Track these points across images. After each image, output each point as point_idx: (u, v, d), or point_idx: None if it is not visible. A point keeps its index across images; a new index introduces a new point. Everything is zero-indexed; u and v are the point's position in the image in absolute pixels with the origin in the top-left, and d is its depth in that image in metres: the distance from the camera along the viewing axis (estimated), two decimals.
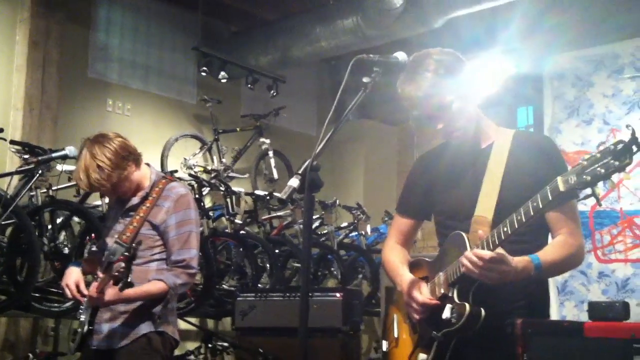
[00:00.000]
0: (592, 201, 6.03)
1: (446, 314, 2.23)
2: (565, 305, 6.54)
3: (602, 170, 1.81)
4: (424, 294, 2.37)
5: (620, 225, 6.58)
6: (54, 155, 4.98)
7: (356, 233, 7.91)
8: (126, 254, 2.88)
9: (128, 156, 3.14)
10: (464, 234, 2.29)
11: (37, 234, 4.87)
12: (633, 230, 6.52)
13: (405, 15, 6.63)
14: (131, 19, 7.47)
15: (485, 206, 2.30)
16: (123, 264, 2.84)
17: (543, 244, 2.33)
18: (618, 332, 1.90)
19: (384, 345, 2.63)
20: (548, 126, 7.26)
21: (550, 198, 1.97)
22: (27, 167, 4.94)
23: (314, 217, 7.37)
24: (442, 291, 2.32)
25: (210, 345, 5.62)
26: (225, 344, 5.84)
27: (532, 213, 2.04)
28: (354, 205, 8.00)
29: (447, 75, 2.33)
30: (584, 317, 6.00)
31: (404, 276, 2.49)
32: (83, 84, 6.95)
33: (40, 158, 4.91)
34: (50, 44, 6.42)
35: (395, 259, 2.60)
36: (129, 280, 2.84)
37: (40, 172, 4.89)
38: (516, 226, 2.08)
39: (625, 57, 6.85)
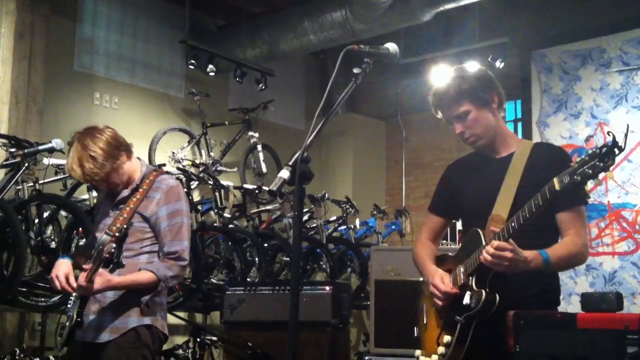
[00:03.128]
0: None
1: (466, 300, 2.53)
2: None
3: (590, 171, 2.13)
4: (446, 283, 2.68)
5: (608, 219, 6.63)
6: (40, 148, 4.94)
7: (345, 227, 7.90)
8: (117, 234, 2.89)
9: (119, 146, 3.14)
10: (479, 230, 2.61)
11: (23, 228, 4.83)
12: (620, 223, 6.57)
13: (393, 9, 6.63)
14: (118, 11, 7.42)
15: (502, 206, 2.62)
16: (114, 245, 2.85)
17: (552, 242, 2.63)
18: (611, 323, 1.91)
19: (415, 330, 2.95)
20: (536, 120, 7.29)
21: (548, 196, 2.28)
22: (13, 161, 4.90)
23: (303, 210, 7.35)
24: (463, 280, 2.62)
25: (198, 339, 5.59)
26: (214, 338, 5.82)
27: (534, 210, 2.34)
28: (343, 199, 8.00)
29: (468, 89, 2.70)
30: (572, 309, 6.04)
31: (429, 269, 2.84)
32: (69, 77, 6.90)
33: (26, 151, 4.87)
34: (36, 36, 6.36)
35: (424, 253, 2.94)
36: (120, 260, 2.84)
37: (26, 165, 4.85)
38: (522, 221, 2.39)
39: (612, 51, 6.89)
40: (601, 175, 2.17)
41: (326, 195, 7.74)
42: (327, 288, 5.12)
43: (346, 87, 2.32)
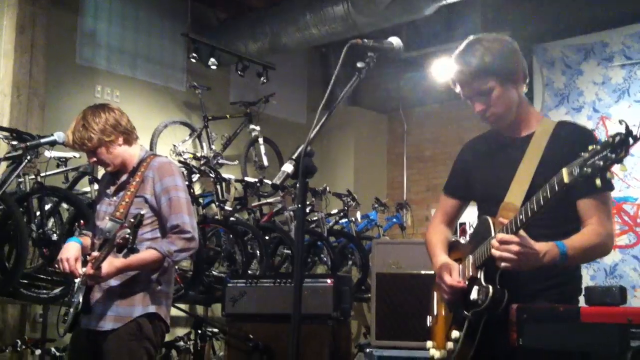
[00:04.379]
0: None
1: (473, 295, 2.36)
2: None
3: (601, 163, 1.88)
4: (453, 276, 2.48)
5: None
6: (42, 141, 4.92)
7: (346, 220, 7.91)
8: (132, 220, 2.89)
9: (117, 127, 3.17)
10: (489, 219, 2.40)
11: (25, 220, 4.84)
12: (622, 217, 6.57)
13: (396, 2, 6.61)
14: (119, 4, 7.41)
15: (516, 193, 2.38)
16: (129, 230, 2.86)
17: (573, 232, 2.36)
18: (615, 317, 1.90)
19: (428, 320, 2.77)
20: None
21: (556, 189, 2.05)
22: (15, 154, 4.90)
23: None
24: (471, 273, 2.44)
25: (200, 332, 5.60)
26: (215, 330, 5.84)
27: (542, 203, 2.11)
28: (344, 192, 8.00)
29: (492, 62, 2.42)
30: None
31: (438, 257, 2.64)
32: (71, 70, 6.89)
33: (28, 144, 4.85)
34: (38, 29, 6.35)
35: (435, 239, 2.73)
36: (134, 246, 2.86)
37: (28, 158, 4.84)
38: (529, 214, 2.17)
39: (615, 45, 6.88)
40: (616, 168, 1.88)
41: (327, 188, 7.75)
42: (329, 281, 5.13)
43: (348, 80, 2.30)
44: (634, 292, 6.22)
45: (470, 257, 2.46)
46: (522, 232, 2.21)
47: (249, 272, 6.17)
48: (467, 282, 2.44)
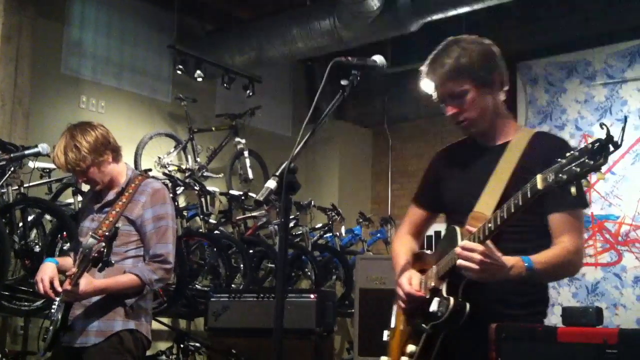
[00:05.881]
0: None
1: (433, 307, 2.25)
2: None
3: (578, 169, 1.80)
4: (413, 284, 2.37)
5: (591, 230, 6.68)
6: (26, 152, 4.92)
7: (330, 234, 7.92)
8: (107, 233, 2.90)
9: (107, 144, 3.17)
10: (457, 228, 2.29)
11: (7, 231, 4.79)
12: (603, 235, 6.62)
13: (382, 18, 6.66)
14: (105, 15, 7.40)
15: (487, 203, 2.27)
16: (103, 244, 2.85)
17: (543, 247, 2.25)
18: (591, 337, 1.91)
19: (385, 334, 2.65)
20: None
21: (529, 195, 1.95)
22: None
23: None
24: (433, 284, 2.32)
25: (182, 346, 5.57)
26: (198, 345, 5.80)
27: (512, 210, 2.02)
28: (329, 206, 8.01)
29: (468, 64, 2.32)
30: (554, 319, 6.08)
31: (400, 266, 2.52)
32: (56, 80, 6.87)
33: (12, 155, 4.84)
34: (23, 39, 6.32)
35: (399, 250, 2.62)
36: (109, 259, 2.84)
37: (11, 169, 4.82)
38: (499, 222, 2.07)
39: (597, 64, 6.96)
40: (594, 179, 1.79)
41: (312, 202, 7.76)
42: (312, 296, 5.13)
43: (334, 95, 2.31)
44: (615, 310, 6.26)
45: (434, 267, 2.35)
46: (489, 242, 2.11)
47: (233, 285, 6.15)
48: (428, 294, 2.32)
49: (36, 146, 4.92)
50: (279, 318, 2.08)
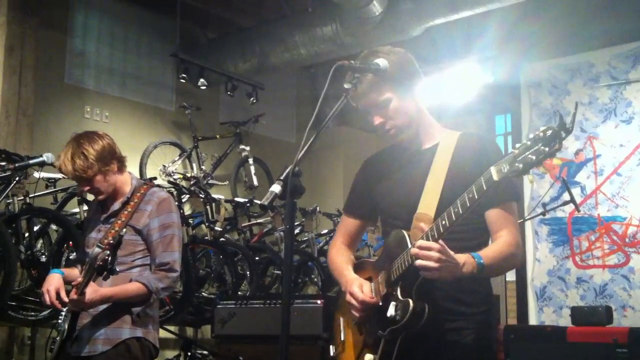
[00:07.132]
0: (570, 207, 6.10)
1: (391, 311, 2.24)
2: (544, 311, 6.59)
3: (533, 157, 1.84)
4: (365, 292, 2.36)
5: (598, 232, 6.65)
6: (31, 162, 4.93)
7: None
8: (111, 241, 2.90)
9: (113, 154, 3.19)
10: (404, 232, 2.30)
11: (13, 241, 4.81)
12: (610, 237, 6.59)
13: (384, 24, 6.66)
14: (108, 25, 7.43)
15: (428, 204, 2.32)
16: (108, 252, 2.86)
17: (484, 244, 2.34)
18: (600, 336, 1.91)
19: (332, 350, 2.63)
20: (526, 134, 7.31)
21: (484, 188, 1.99)
22: (3, 174, 4.88)
23: (295, 223, 7.36)
24: (385, 290, 2.32)
25: (189, 354, 5.58)
26: (205, 352, 5.80)
27: (468, 204, 2.05)
28: (334, 212, 8.00)
29: (389, 75, 2.36)
30: (562, 322, 6.05)
31: (348, 276, 2.50)
32: (60, 90, 6.89)
33: (17, 165, 4.86)
34: (27, 49, 6.35)
35: (340, 260, 2.62)
36: (114, 267, 2.85)
37: (17, 179, 4.84)
38: (454, 218, 2.09)
39: (601, 65, 6.94)
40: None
41: (317, 208, 7.75)
42: (319, 302, 5.11)
43: (337, 100, 2.31)
44: (623, 312, 6.23)
45: (383, 273, 2.36)
46: (441, 241, 2.12)
47: (239, 292, 6.15)
48: (381, 301, 2.32)
49: (41, 156, 4.94)
50: (285, 324, 2.07)
